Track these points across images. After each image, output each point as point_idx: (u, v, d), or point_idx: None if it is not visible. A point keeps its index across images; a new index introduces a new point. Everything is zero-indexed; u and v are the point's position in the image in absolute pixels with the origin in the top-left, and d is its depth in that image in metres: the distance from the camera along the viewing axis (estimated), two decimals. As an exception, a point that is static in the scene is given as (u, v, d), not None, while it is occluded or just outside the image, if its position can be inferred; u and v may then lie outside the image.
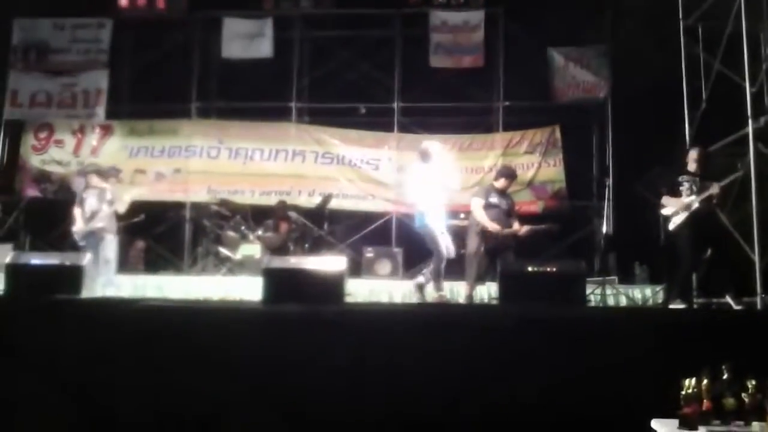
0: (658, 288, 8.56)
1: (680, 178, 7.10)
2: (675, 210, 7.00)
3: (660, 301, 8.18)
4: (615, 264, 10.29)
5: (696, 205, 6.90)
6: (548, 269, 6.10)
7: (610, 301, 8.52)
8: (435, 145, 7.78)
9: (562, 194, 11.20)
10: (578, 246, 10.85)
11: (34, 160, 11.79)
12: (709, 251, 7.18)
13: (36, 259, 6.50)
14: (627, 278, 9.66)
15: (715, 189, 6.87)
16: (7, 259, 6.33)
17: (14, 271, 6.19)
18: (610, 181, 11.25)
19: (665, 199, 7.13)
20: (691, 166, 7.18)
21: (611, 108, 11.22)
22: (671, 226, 7.05)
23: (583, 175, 11.59)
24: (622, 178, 10.88)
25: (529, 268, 6.07)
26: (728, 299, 6.89)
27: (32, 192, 11.70)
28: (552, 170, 11.25)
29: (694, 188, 6.99)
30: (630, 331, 4.84)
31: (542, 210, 11.00)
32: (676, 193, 7.07)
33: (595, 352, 4.64)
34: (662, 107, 9.68)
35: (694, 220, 6.89)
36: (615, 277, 9.57)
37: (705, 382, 3.76)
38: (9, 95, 11.68)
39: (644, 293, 8.83)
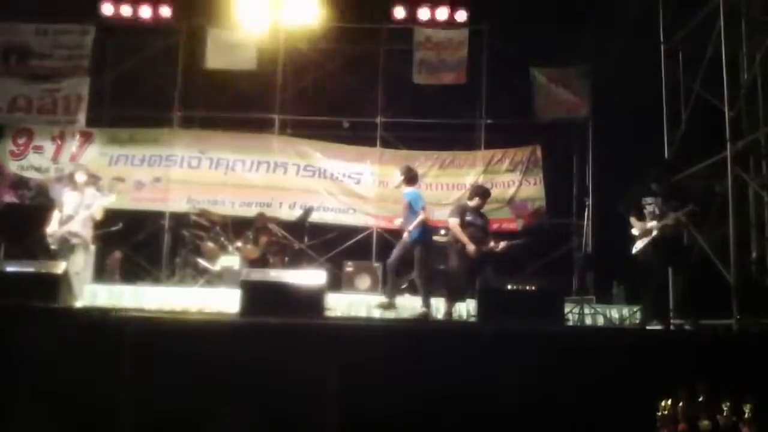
0: (635, 308, 8.60)
1: (644, 200, 7.10)
2: (639, 233, 7.04)
3: (637, 321, 8.22)
4: (593, 283, 10.34)
5: (655, 232, 6.91)
6: (527, 287, 6.11)
7: (588, 321, 8.54)
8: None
9: (541, 212, 11.23)
10: (557, 264, 10.90)
11: (12, 166, 11.59)
12: (671, 273, 7.23)
13: (11, 267, 6.39)
14: (605, 297, 9.70)
15: (669, 220, 6.87)
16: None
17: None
18: (589, 201, 11.32)
19: (632, 220, 7.14)
20: (653, 186, 7.17)
21: (592, 128, 11.32)
22: (634, 250, 7.08)
23: (563, 194, 11.65)
24: (602, 198, 10.94)
25: (509, 286, 6.07)
26: (698, 322, 6.92)
27: (9, 198, 11.50)
28: (532, 188, 11.30)
29: (656, 211, 6.98)
30: (607, 351, 4.85)
31: (522, 227, 11.04)
32: (641, 215, 7.08)
33: (572, 372, 4.63)
34: (643, 128, 9.78)
35: (656, 242, 6.92)
36: (593, 297, 9.61)
37: (681, 403, 3.78)
38: (-12, 99, 11.55)
39: (621, 313, 8.87)
